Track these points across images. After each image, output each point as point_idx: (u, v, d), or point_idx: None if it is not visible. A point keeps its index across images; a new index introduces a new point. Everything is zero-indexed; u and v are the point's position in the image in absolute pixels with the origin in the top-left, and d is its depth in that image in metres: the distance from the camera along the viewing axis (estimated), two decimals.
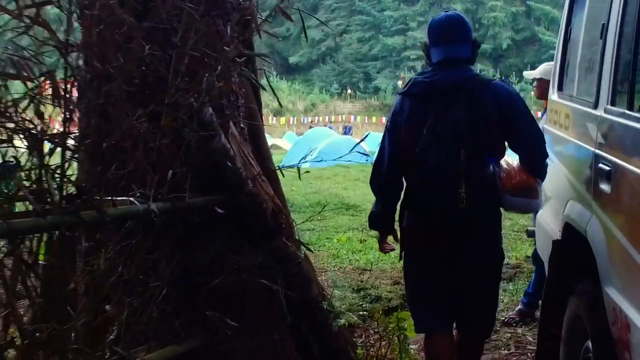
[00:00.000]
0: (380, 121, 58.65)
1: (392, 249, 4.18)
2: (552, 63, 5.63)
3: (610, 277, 3.38)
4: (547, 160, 3.81)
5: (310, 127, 39.63)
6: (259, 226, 3.91)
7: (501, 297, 6.37)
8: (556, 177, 4.55)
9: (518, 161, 3.72)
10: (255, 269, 3.83)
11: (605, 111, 3.66)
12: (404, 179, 3.87)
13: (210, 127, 3.53)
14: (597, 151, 3.71)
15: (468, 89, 3.56)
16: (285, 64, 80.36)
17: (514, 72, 66.32)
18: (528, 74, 6.49)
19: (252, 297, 3.84)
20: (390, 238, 4.14)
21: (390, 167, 3.84)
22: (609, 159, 3.51)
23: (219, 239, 3.73)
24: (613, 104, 3.61)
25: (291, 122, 49.32)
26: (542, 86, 6.03)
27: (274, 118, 49.97)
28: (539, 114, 6.55)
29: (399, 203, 3.96)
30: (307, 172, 17.29)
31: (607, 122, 3.63)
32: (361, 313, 5.90)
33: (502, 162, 3.72)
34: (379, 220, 4.07)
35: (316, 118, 51.40)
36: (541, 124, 5.10)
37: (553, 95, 5.08)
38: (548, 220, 4.79)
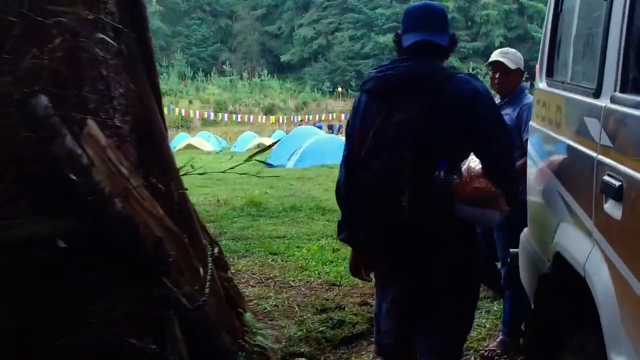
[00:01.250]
0: None
1: (368, 280, 3.85)
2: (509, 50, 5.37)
3: (620, 342, 2.35)
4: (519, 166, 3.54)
5: (300, 125, 39.21)
6: (136, 260, 2.88)
7: (482, 321, 5.97)
8: (544, 188, 3.64)
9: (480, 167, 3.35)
10: (132, 318, 2.81)
11: (612, 100, 2.62)
12: None
13: (46, 124, 2.47)
14: (601, 157, 2.69)
15: (425, 84, 3.20)
16: (277, 62, 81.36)
17: None
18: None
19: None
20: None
21: (344, 172, 3.57)
22: (618, 168, 2.49)
23: (76, 282, 2.72)
24: (623, 89, 2.59)
25: (281, 121, 48.30)
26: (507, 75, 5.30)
27: (264, 117, 49.79)
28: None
29: None
30: (277, 176, 16.84)
31: (615, 116, 2.60)
32: (319, 342, 5.58)
33: (464, 166, 3.34)
34: (343, 230, 3.69)
35: (306, 117, 51.20)
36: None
37: (540, 83, 4.04)
38: (534, 244, 3.77)
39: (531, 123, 4.16)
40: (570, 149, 3.16)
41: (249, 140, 37.30)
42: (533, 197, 3.88)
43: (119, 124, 3.05)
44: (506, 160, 3.37)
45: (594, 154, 2.76)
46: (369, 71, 3.44)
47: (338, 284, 7.42)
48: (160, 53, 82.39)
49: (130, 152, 3.13)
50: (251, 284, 7.27)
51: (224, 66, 75.59)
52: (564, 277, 3.02)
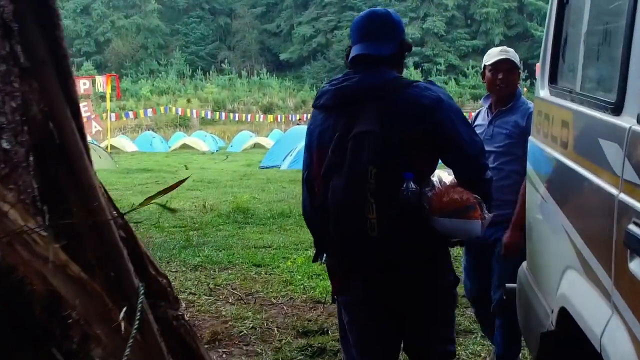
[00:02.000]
0: None
1: None
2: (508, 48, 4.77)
3: None
4: (489, 173, 3.25)
5: (298, 125, 38.71)
6: (22, 323, 2.22)
7: (477, 349, 5.41)
8: (547, 221, 3.00)
9: (453, 176, 3.29)
10: None
11: None
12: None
13: None
14: (624, 197, 2.01)
15: (382, 96, 3.14)
16: (276, 60, 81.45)
17: None
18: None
19: None
20: None
21: (307, 194, 3.49)
22: None
23: None
24: None
25: (279, 120, 47.88)
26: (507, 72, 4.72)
27: (262, 116, 49.37)
28: (473, 115, 5.14)
29: None
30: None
31: None
32: None
33: (434, 177, 3.24)
34: (319, 255, 3.59)
35: (305, 115, 50.65)
36: (480, 120, 4.77)
37: (542, 90, 3.38)
38: (534, 285, 3.14)
39: (530, 138, 3.51)
40: (580, 178, 2.47)
41: (246, 139, 36.81)
42: (534, 228, 3.25)
43: (7, 146, 2.38)
44: (478, 163, 3.24)
45: (614, 191, 2.09)
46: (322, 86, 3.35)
47: (323, 301, 6.80)
48: (158, 51, 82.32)
49: (25, 181, 2.46)
50: (230, 301, 6.65)
51: (222, 64, 75.23)
52: (571, 340, 2.37)
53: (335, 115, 3.24)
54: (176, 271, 7.49)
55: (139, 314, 2.73)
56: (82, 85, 31.37)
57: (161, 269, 3.06)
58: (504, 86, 4.64)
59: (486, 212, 3.11)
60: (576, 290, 2.37)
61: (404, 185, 3.06)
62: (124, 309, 2.65)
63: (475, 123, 4.76)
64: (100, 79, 33.69)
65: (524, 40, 65.59)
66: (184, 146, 36.27)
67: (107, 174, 20.43)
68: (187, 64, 76.57)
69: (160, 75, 73.98)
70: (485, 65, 4.72)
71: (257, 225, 10.91)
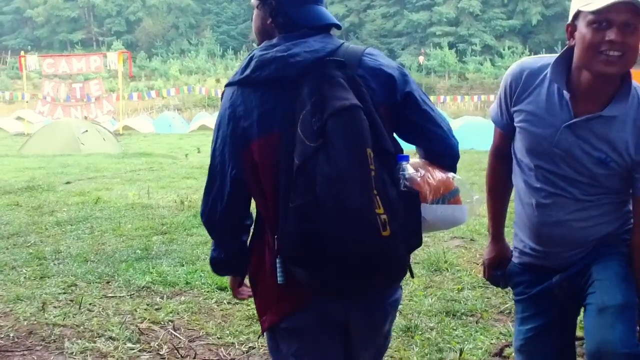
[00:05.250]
0: None
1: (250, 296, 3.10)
2: None
3: None
4: None
5: None
6: None
7: None
8: None
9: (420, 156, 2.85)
10: None
11: None
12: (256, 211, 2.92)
13: None
14: None
15: (342, 64, 2.66)
16: None
17: (543, 49, 67.79)
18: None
19: None
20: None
21: (234, 197, 2.80)
22: None
23: None
24: None
25: None
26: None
27: None
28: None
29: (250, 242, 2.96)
30: None
31: None
32: None
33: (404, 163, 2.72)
34: (226, 267, 3.07)
35: None
36: (535, 105, 2.86)
37: None
38: None
39: None
40: None
41: None
42: None
43: None
44: (451, 137, 2.86)
45: None
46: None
47: None
48: (190, 31, 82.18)
49: None
50: (162, 352, 4.82)
51: (254, 44, 74.97)
52: None
53: (287, 90, 2.69)
54: (111, 297, 5.87)
55: None
56: (93, 63, 30.39)
57: None
58: (618, 56, 2.61)
59: (473, 192, 2.81)
60: None
61: (401, 171, 2.64)
62: None
63: (519, 107, 2.94)
64: (112, 56, 32.64)
65: (562, 20, 64.59)
66: (203, 127, 35.01)
67: (101, 158, 19.38)
68: (218, 43, 76.73)
69: (190, 54, 73.96)
70: (579, 13, 2.70)
71: None
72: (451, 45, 70.29)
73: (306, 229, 2.60)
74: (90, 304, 5.64)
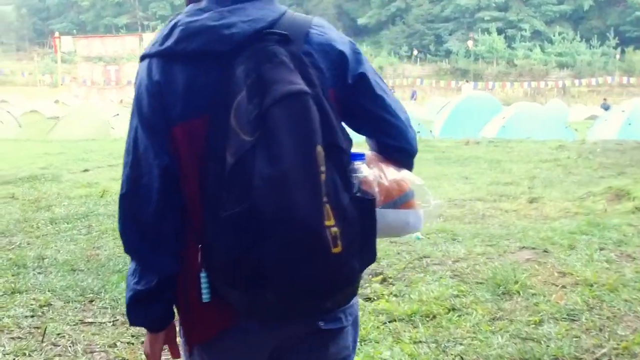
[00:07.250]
0: (449, 85, 59.21)
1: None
2: None
3: None
4: None
5: None
6: None
7: None
8: None
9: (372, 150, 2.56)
10: None
11: None
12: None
13: None
14: None
15: (288, 38, 2.24)
16: (354, 25, 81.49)
17: (595, 35, 66.45)
18: None
19: None
20: None
21: (164, 194, 2.25)
22: None
23: None
24: None
25: None
26: None
27: None
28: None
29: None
30: None
31: None
32: None
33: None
34: (154, 307, 2.34)
35: None
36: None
37: None
38: None
39: None
40: None
41: None
42: None
43: None
44: (409, 130, 2.54)
45: None
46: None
47: None
48: None
49: None
50: None
51: None
52: None
53: (212, 67, 2.21)
54: (89, 323, 4.62)
55: None
56: (129, 44, 29.57)
57: None
58: None
59: (430, 196, 2.51)
60: None
61: (355, 173, 2.29)
62: None
63: None
64: (148, 37, 31.93)
65: (615, 5, 63.17)
66: None
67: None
68: None
69: None
70: None
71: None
72: (500, 31, 69.28)
73: (240, 244, 2.24)
74: (58, 334, 4.38)
